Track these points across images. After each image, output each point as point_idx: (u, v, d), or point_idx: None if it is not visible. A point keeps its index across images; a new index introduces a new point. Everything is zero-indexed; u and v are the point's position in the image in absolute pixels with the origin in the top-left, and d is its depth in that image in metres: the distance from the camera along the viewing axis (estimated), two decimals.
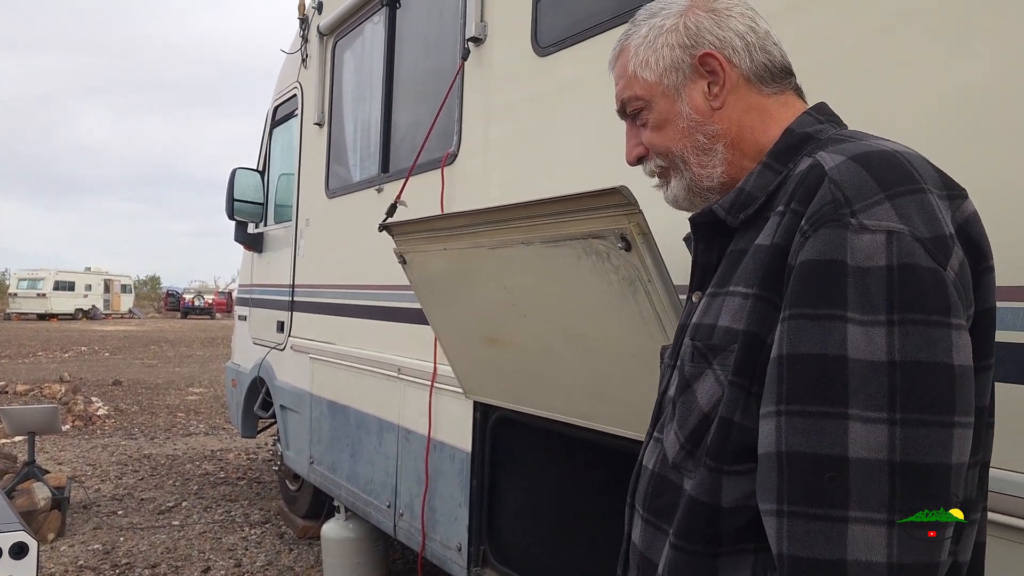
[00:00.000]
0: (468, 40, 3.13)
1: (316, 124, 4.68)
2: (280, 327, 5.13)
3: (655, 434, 1.13)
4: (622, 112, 1.20)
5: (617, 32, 2.36)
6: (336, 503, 4.38)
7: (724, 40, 1.11)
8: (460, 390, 3.00)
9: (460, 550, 3.11)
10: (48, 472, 5.86)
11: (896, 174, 0.90)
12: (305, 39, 4.90)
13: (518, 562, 2.97)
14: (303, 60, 4.91)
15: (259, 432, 6.10)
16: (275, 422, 5.45)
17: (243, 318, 6.04)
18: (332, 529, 4.33)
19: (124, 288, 48.10)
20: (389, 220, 2.91)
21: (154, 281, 71.21)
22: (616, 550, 1.57)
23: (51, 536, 5.05)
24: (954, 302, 0.86)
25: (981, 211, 1.00)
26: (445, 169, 3.25)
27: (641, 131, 1.17)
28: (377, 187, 3.86)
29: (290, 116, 5.27)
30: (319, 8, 4.71)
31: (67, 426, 9.04)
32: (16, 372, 14.57)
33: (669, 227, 1.85)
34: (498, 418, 2.97)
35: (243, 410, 5.79)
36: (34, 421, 5.68)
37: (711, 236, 1.11)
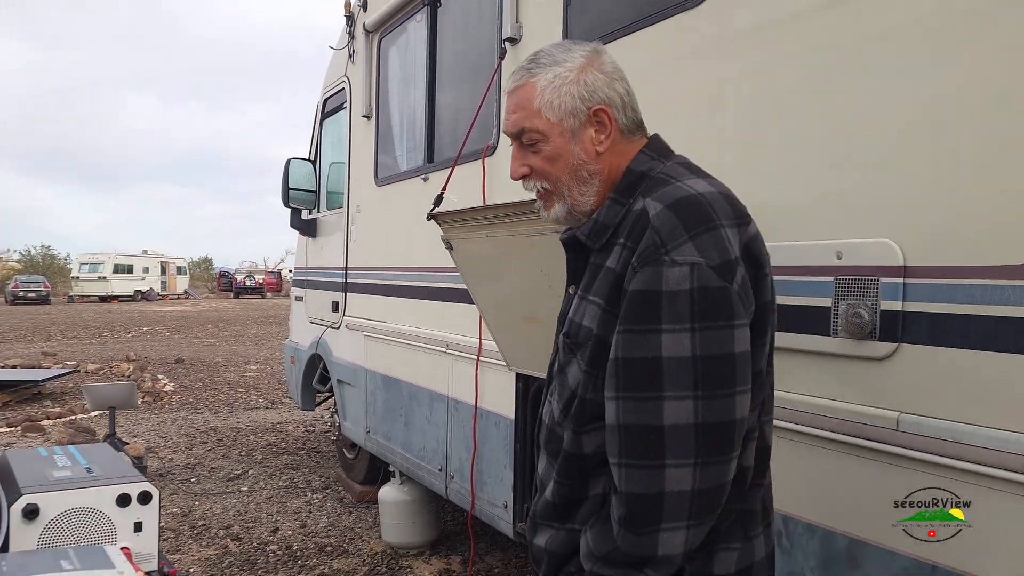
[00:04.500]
0: (505, 40, 3.38)
1: (364, 116, 4.98)
2: (335, 307, 5.47)
3: (549, 397, 1.51)
4: (516, 136, 1.44)
5: (641, 34, 2.62)
6: (391, 469, 4.73)
7: (611, 99, 1.41)
8: (503, 363, 3.29)
9: (506, 507, 3.43)
10: (127, 444, 6.35)
11: (697, 217, 1.25)
12: (351, 35, 5.19)
13: None
14: (350, 56, 5.21)
15: (317, 405, 6.49)
16: (332, 396, 5.83)
17: (300, 299, 6.42)
18: (388, 493, 4.69)
19: (179, 270, 49.51)
20: (436, 210, 3.20)
21: (206, 262, 72.96)
22: None
23: None
24: (737, 309, 1.23)
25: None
26: (486, 160, 3.52)
27: (530, 155, 1.43)
28: (423, 176, 4.15)
29: (339, 108, 5.58)
30: (364, 6, 4.99)
31: (139, 402, 9.61)
32: (86, 352, 15.35)
33: None
34: (538, 387, 3.26)
35: (302, 385, 6.18)
36: (114, 396, 6.16)
37: (576, 251, 1.47)
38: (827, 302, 1.96)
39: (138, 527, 1.80)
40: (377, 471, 5.32)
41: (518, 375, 3.33)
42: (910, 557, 1.74)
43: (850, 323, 1.88)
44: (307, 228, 6.08)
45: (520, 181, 1.48)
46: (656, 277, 1.22)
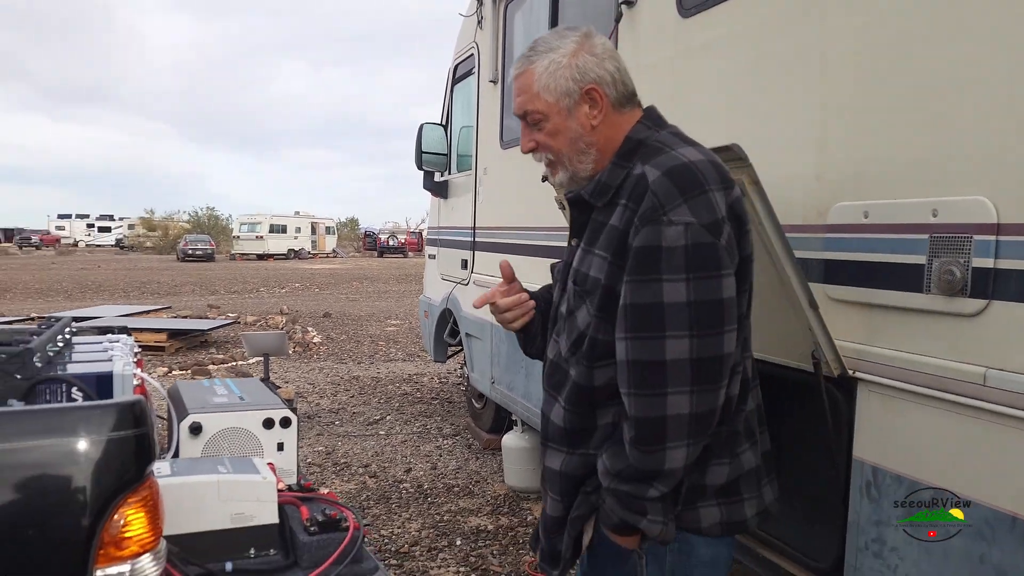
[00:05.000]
0: (621, 3, 3.45)
1: (491, 81, 5.17)
2: (464, 264, 5.76)
3: (553, 336, 1.70)
4: (523, 117, 1.63)
5: None
6: (514, 418, 5.00)
7: (601, 77, 1.58)
8: None
9: None
10: (279, 387, 6.97)
11: (690, 182, 1.44)
12: (480, 2, 5.37)
13: None
14: (479, 22, 5.39)
15: (449, 358, 6.85)
16: (462, 348, 6.16)
17: (432, 257, 6.76)
18: (511, 440, 4.97)
19: (328, 230, 52.15)
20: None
21: (353, 223, 76.34)
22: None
23: None
24: (724, 261, 1.43)
25: None
26: None
27: (535, 132, 1.63)
28: None
29: (468, 74, 5.80)
30: None
31: (290, 351, 10.42)
32: (244, 305, 16.65)
33: (776, 179, 2.18)
34: None
35: (435, 338, 6.54)
36: (267, 344, 6.76)
37: (580, 208, 1.64)
38: (921, 259, 1.98)
39: (280, 447, 2.11)
40: (502, 420, 5.61)
41: None
42: (993, 509, 1.78)
43: (942, 280, 1.91)
44: (439, 190, 6.39)
45: (531, 153, 1.68)
46: (656, 234, 1.42)
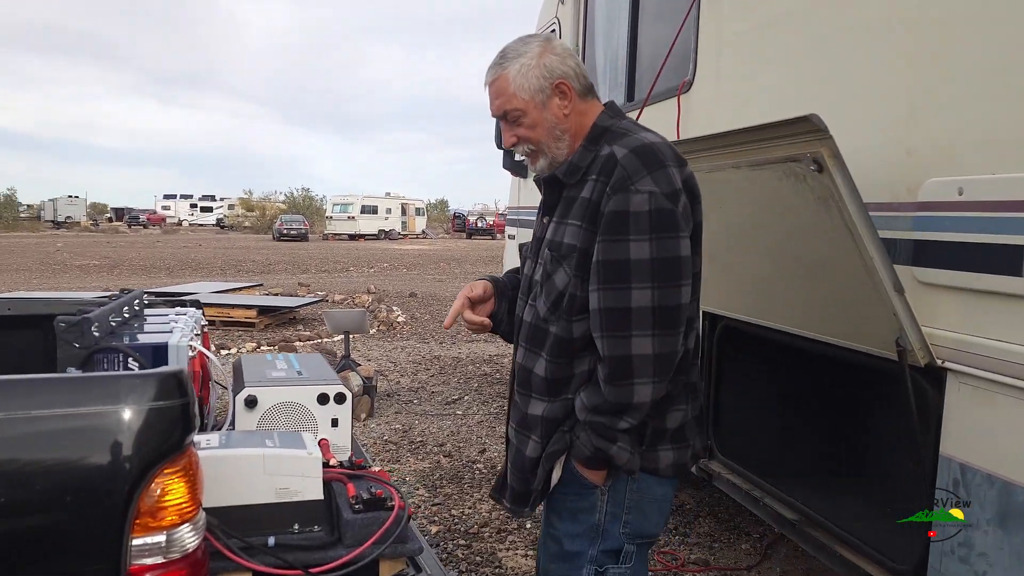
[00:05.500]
0: None
1: None
2: None
3: (529, 301, 1.89)
4: (503, 116, 1.84)
5: None
6: None
7: (566, 73, 1.82)
8: None
9: None
10: (360, 365, 7.08)
11: (652, 159, 1.68)
12: None
13: (740, 456, 3.29)
14: None
15: None
16: None
17: (512, 237, 6.73)
18: None
19: (418, 211, 52.85)
20: None
21: (442, 204, 77.22)
22: (823, 448, 2.08)
23: (363, 416, 6.19)
24: (681, 225, 1.67)
25: None
26: (681, 97, 3.49)
27: (516, 128, 1.84)
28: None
29: None
30: None
31: (373, 330, 10.60)
32: (333, 284, 17.05)
33: (857, 152, 2.02)
34: (723, 327, 3.25)
35: None
36: (348, 322, 6.88)
37: (552, 186, 1.86)
38: (1021, 240, 1.81)
39: (334, 422, 2.10)
40: None
41: (704, 313, 3.33)
42: None
43: None
44: (518, 169, 6.33)
45: (514, 147, 1.88)
46: (625, 201, 1.65)
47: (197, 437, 1.74)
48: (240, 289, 13.80)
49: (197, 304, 2.72)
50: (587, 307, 1.73)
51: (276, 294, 13.93)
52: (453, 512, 4.40)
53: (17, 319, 2.30)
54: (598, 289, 1.68)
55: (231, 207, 67.16)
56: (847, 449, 3.28)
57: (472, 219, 52.58)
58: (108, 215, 68.89)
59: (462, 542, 4.02)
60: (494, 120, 6.52)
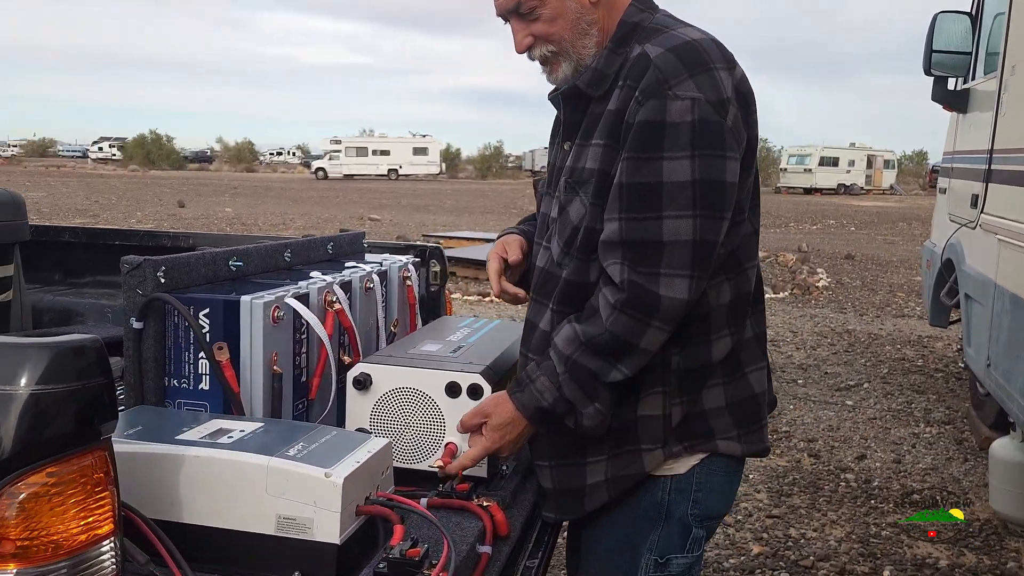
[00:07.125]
0: None
1: None
2: (973, 201, 4.29)
3: (543, 243, 1.58)
4: (515, 10, 1.47)
5: None
6: (1011, 419, 3.56)
7: None
8: None
9: None
10: None
11: (695, 59, 1.38)
12: None
13: None
14: None
15: (952, 324, 5.35)
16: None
17: (943, 191, 5.30)
18: (1003, 448, 3.52)
19: (887, 164, 47.78)
20: None
21: (920, 156, 68.55)
22: None
23: None
24: (729, 143, 1.38)
25: None
26: None
27: (531, 24, 1.48)
28: None
29: None
30: None
31: (784, 293, 9.54)
32: (765, 241, 15.99)
33: None
34: None
35: (932, 295, 5.15)
36: None
37: (576, 102, 1.53)
38: None
39: None
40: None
41: None
42: None
43: None
44: (956, 101, 4.88)
45: (525, 53, 1.53)
46: (661, 109, 1.34)
47: (223, 423, 1.35)
48: None
49: (437, 253, 2.35)
50: None
51: None
52: (791, 531, 3.53)
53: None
54: (619, 219, 1.37)
55: None
56: None
57: None
58: None
59: (786, 575, 3.17)
60: (924, 35, 4.98)
